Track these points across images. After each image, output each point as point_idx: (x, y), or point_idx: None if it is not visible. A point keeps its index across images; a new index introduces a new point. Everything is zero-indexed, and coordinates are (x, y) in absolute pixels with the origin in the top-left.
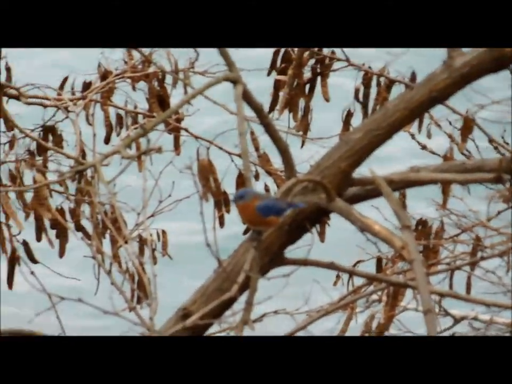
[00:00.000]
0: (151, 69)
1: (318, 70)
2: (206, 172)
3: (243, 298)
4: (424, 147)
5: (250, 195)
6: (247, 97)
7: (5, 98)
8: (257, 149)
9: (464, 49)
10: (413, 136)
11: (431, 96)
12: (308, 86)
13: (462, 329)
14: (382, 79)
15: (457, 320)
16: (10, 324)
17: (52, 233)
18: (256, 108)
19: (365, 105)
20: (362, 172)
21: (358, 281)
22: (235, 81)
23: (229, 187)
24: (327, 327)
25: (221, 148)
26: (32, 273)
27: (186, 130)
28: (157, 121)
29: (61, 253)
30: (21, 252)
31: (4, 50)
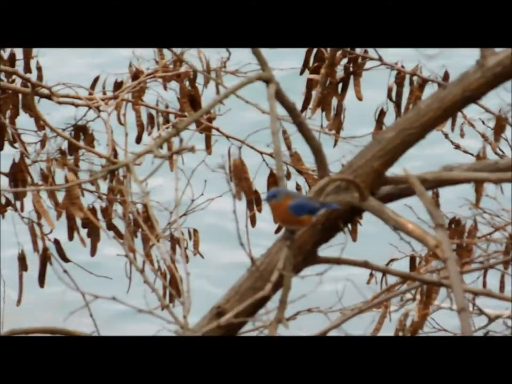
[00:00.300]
0: (183, 69)
1: (351, 69)
2: (239, 171)
3: (277, 297)
4: (457, 146)
5: (283, 194)
6: (279, 96)
7: (36, 98)
8: (289, 148)
9: (497, 49)
10: (446, 135)
11: (464, 96)
12: (340, 85)
13: (497, 328)
14: (415, 78)
15: (491, 319)
16: (45, 323)
17: (84, 232)
18: (289, 107)
19: (398, 105)
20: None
21: (392, 280)
22: (268, 81)
23: (260, 187)
24: (361, 326)
25: (252, 147)
26: (65, 271)
27: (217, 129)
28: (189, 120)
29: (93, 252)
30: (53, 251)
31: (35, 49)
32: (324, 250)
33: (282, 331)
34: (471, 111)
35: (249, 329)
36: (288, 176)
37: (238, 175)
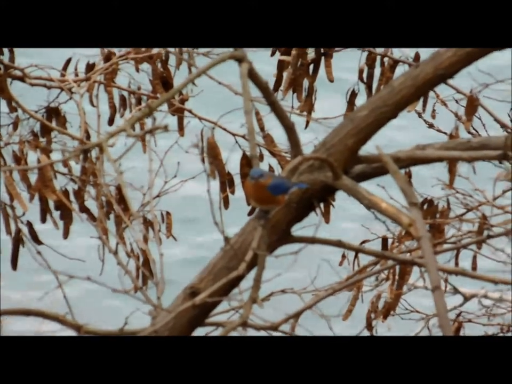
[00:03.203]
0: (155, 50)
1: (322, 51)
2: (214, 150)
3: (251, 276)
4: (431, 125)
5: (266, 174)
6: (252, 75)
7: (8, 80)
8: (262, 129)
9: None
10: (419, 114)
11: (437, 74)
12: (311, 66)
13: (472, 307)
14: (386, 59)
15: (466, 298)
16: (18, 305)
17: (57, 214)
18: (262, 86)
19: (369, 86)
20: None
21: (364, 261)
22: (240, 60)
23: (233, 169)
24: (336, 306)
25: (225, 129)
26: (38, 253)
27: (190, 111)
28: (162, 100)
29: (65, 234)
30: (25, 233)
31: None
32: (299, 231)
33: (257, 311)
34: (444, 91)
35: (223, 310)
36: (261, 157)
37: (212, 154)
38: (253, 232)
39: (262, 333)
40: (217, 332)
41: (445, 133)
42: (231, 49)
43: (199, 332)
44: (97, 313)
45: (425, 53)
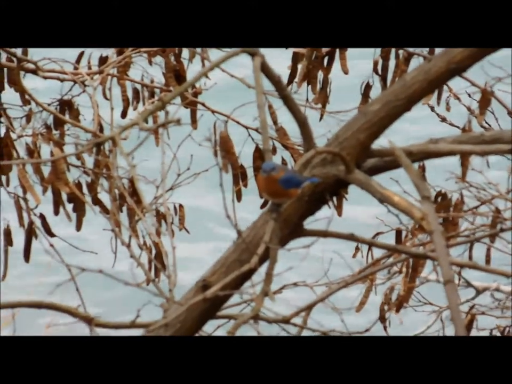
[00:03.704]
0: None
1: (338, 48)
2: (226, 144)
3: (263, 269)
4: (443, 119)
5: (279, 168)
6: (265, 69)
7: (21, 73)
8: (275, 122)
9: None
10: (432, 108)
11: (449, 68)
12: (326, 59)
13: (484, 301)
14: (400, 51)
15: (479, 292)
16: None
17: (70, 207)
18: (274, 80)
19: (383, 78)
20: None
21: (377, 254)
22: (253, 54)
23: (246, 161)
24: (348, 300)
25: (238, 122)
26: (51, 245)
27: (203, 104)
28: (175, 93)
29: (78, 227)
30: (38, 226)
31: None
32: (311, 225)
33: (269, 304)
34: (457, 84)
35: (235, 303)
36: (274, 150)
37: (225, 147)
38: (264, 226)
39: (274, 326)
40: (229, 325)
41: (458, 127)
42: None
43: (211, 324)
44: (109, 306)
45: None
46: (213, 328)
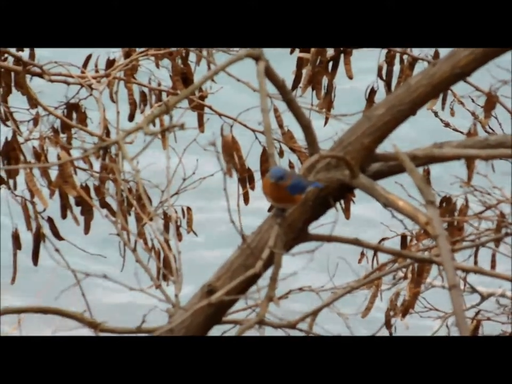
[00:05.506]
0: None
1: (341, 48)
2: (230, 148)
3: (268, 274)
4: (447, 124)
5: (287, 175)
6: (269, 73)
7: (28, 76)
8: (280, 126)
9: None
10: (436, 113)
11: (454, 72)
12: (331, 64)
13: (489, 307)
14: (405, 57)
15: (484, 297)
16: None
17: (77, 210)
18: (278, 84)
19: (388, 83)
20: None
21: (383, 259)
22: (257, 58)
23: (253, 164)
24: (354, 305)
25: (245, 125)
26: (57, 250)
27: (210, 107)
28: (179, 97)
29: (86, 230)
30: (46, 229)
31: None
32: (317, 229)
33: (275, 309)
34: (462, 89)
35: (240, 308)
36: (281, 153)
37: (229, 152)
38: (269, 231)
39: (279, 331)
40: (234, 330)
41: (461, 132)
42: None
43: (216, 330)
44: (115, 311)
45: (445, 51)
46: (218, 333)
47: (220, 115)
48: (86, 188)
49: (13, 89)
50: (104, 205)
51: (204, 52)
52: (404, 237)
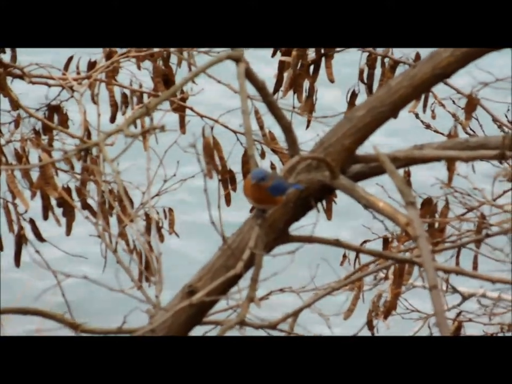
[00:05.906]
0: (156, 48)
1: (322, 51)
2: (210, 150)
3: (249, 275)
4: (428, 126)
5: (268, 176)
6: (249, 75)
7: (9, 78)
8: (261, 127)
9: None
10: (417, 115)
11: (434, 74)
12: (312, 67)
13: (471, 307)
14: (386, 60)
15: (465, 298)
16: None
17: (59, 211)
18: (258, 86)
19: (369, 86)
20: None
21: (365, 260)
22: (237, 60)
23: (235, 165)
24: (335, 306)
25: (226, 127)
26: (37, 252)
27: (191, 109)
28: (160, 99)
29: (68, 231)
30: (28, 231)
31: None
32: (298, 230)
33: (256, 310)
34: (443, 91)
35: (221, 309)
36: (263, 155)
37: (209, 153)
38: (250, 232)
39: (260, 332)
40: (215, 331)
41: (442, 134)
42: (230, 49)
43: (197, 330)
44: (96, 312)
45: (426, 53)
46: (200, 334)
47: (201, 116)
48: (67, 190)
49: None
50: (85, 206)
51: (185, 54)
52: (386, 240)
